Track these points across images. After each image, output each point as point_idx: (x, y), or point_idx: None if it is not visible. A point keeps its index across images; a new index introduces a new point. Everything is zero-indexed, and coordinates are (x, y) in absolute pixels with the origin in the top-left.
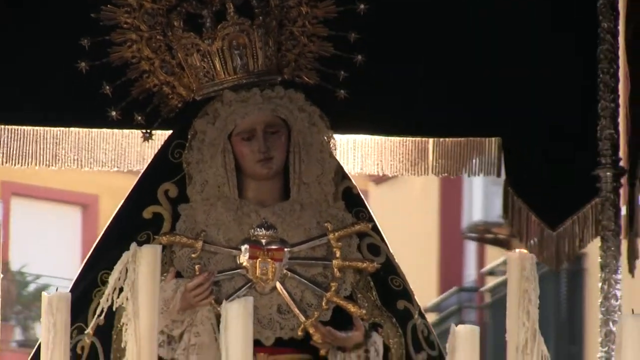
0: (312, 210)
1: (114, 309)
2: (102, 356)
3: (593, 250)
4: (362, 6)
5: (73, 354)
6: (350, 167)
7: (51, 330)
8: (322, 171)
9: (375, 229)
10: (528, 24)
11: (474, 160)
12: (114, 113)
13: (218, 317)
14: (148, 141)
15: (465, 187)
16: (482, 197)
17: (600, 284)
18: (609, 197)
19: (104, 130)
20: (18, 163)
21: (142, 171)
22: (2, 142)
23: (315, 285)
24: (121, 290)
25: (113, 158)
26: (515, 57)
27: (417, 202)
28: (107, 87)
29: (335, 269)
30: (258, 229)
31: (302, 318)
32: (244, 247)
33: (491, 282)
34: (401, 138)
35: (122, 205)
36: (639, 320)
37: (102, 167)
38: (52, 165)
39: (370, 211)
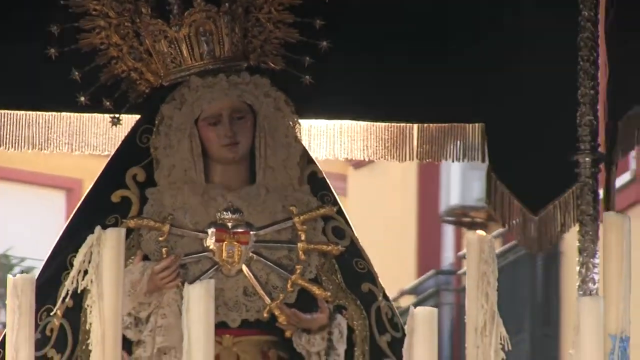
0: (278, 194)
1: (78, 291)
2: (70, 337)
3: (569, 234)
4: None
5: (42, 336)
6: (337, 153)
7: (16, 312)
8: (288, 155)
9: (340, 212)
10: (510, 11)
11: (457, 146)
12: (82, 98)
13: None
14: (116, 126)
15: (443, 171)
16: (460, 181)
17: (578, 268)
18: (588, 183)
19: (95, 114)
20: (12, 147)
21: (111, 156)
22: None
23: (281, 268)
24: (86, 272)
25: (104, 142)
26: (497, 44)
27: (396, 186)
28: (76, 73)
29: (300, 252)
30: (224, 213)
31: (267, 300)
32: (211, 230)
33: None
34: (386, 124)
35: (90, 189)
36: (597, 302)
37: (93, 151)
38: (45, 149)
39: (335, 195)
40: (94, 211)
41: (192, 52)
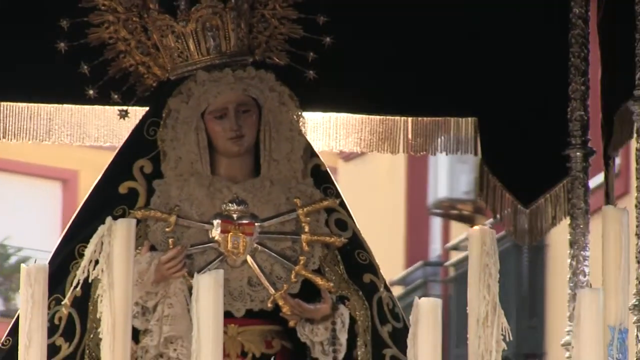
0: (282, 186)
1: (89, 280)
2: (79, 326)
3: (555, 226)
4: None
5: (51, 324)
6: (332, 144)
7: (29, 301)
8: (292, 149)
9: (342, 204)
10: (503, 10)
11: (450, 139)
12: (91, 92)
13: (190, 289)
14: (124, 119)
15: (431, 164)
16: (448, 174)
17: (569, 260)
18: (579, 177)
19: (96, 107)
20: (14, 138)
21: (118, 148)
22: None
23: (285, 259)
24: (97, 262)
25: (105, 134)
26: (489, 41)
27: (385, 178)
28: (85, 67)
29: (304, 243)
30: (230, 204)
31: (271, 290)
32: (216, 221)
33: (455, 256)
34: (380, 117)
35: (98, 181)
36: (596, 294)
37: (94, 142)
38: (47, 140)
39: (338, 188)
40: (102, 202)
41: (199, 47)
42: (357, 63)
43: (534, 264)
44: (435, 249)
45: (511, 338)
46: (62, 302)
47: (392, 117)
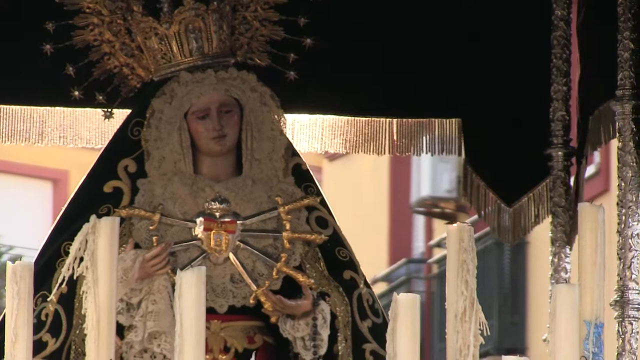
0: (263, 185)
1: (75, 277)
2: (65, 322)
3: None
4: None
5: (38, 321)
6: (317, 146)
7: (15, 297)
8: (273, 148)
9: (323, 202)
10: (487, 12)
11: (434, 140)
12: (76, 93)
13: (174, 285)
14: (109, 119)
15: (414, 164)
16: (430, 173)
17: (550, 258)
18: (560, 175)
19: (88, 109)
20: (7, 140)
21: (103, 148)
22: None
23: (266, 256)
24: (82, 260)
25: (96, 136)
26: (473, 42)
27: (368, 178)
28: (71, 68)
29: (285, 241)
30: (212, 203)
31: (253, 287)
32: (199, 219)
33: (438, 254)
34: (366, 118)
35: (84, 180)
36: (572, 289)
37: (86, 145)
38: (39, 142)
39: (319, 186)
40: (87, 201)
41: (182, 49)
42: (340, 65)
43: (515, 261)
44: (418, 247)
45: (489, 333)
46: (49, 299)
47: (377, 119)
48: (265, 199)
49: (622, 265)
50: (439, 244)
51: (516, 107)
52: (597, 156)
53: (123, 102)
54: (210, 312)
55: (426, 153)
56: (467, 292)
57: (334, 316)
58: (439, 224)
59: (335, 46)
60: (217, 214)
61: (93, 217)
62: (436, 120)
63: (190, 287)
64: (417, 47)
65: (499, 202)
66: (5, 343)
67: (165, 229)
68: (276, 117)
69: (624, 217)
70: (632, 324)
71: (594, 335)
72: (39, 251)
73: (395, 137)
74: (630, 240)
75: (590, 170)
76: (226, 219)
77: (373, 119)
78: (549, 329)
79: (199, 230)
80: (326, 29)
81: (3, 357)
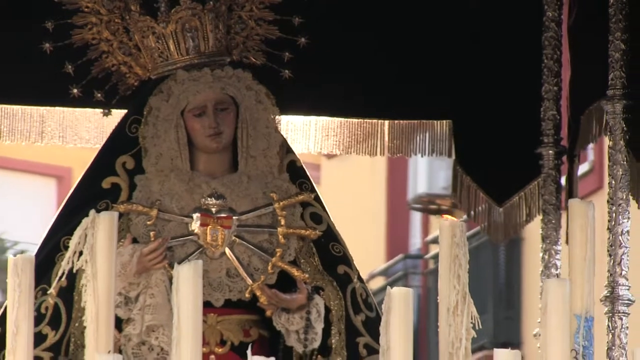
0: (259, 181)
1: (74, 271)
2: (64, 315)
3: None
4: None
5: (38, 314)
6: (311, 147)
7: (16, 290)
8: (268, 145)
9: (317, 199)
10: (478, 14)
11: (426, 141)
12: (75, 91)
13: (171, 279)
14: (107, 117)
15: (411, 161)
16: (427, 170)
17: (541, 254)
18: (551, 174)
19: (87, 109)
20: (8, 139)
21: (102, 145)
22: None
23: (262, 251)
24: (81, 253)
25: (95, 135)
26: (464, 43)
27: (366, 175)
28: (70, 67)
29: (280, 236)
30: (208, 199)
31: (249, 281)
32: (196, 215)
33: (435, 249)
34: (358, 120)
35: (82, 176)
36: (563, 284)
37: (85, 144)
38: (39, 141)
39: (313, 182)
40: (86, 197)
41: (179, 47)
42: (334, 65)
43: (510, 257)
44: (415, 243)
45: (481, 326)
46: (48, 292)
47: (370, 120)
48: (261, 195)
49: (612, 261)
50: (436, 240)
51: (507, 107)
52: (590, 154)
53: (121, 100)
54: (207, 305)
55: (416, 154)
56: (459, 286)
57: (328, 310)
58: (435, 221)
59: (329, 47)
60: (214, 210)
61: (92, 212)
62: (428, 121)
63: (187, 281)
64: (410, 49)
65: (489, 202)
66: (7, 335)
67: (162, 224)
68: (271, 114)
69: (614, 215)
70: (622, 319)
71: (585, 328)
72: (39, 246)
73: (387, 139)
74: (620, 237)
75: (584, 168)
76: (222, 215)
77: (366, 120)
78: (539, 323)
79: (195, 226)
80: (321, 29)
81: (4, 348)
